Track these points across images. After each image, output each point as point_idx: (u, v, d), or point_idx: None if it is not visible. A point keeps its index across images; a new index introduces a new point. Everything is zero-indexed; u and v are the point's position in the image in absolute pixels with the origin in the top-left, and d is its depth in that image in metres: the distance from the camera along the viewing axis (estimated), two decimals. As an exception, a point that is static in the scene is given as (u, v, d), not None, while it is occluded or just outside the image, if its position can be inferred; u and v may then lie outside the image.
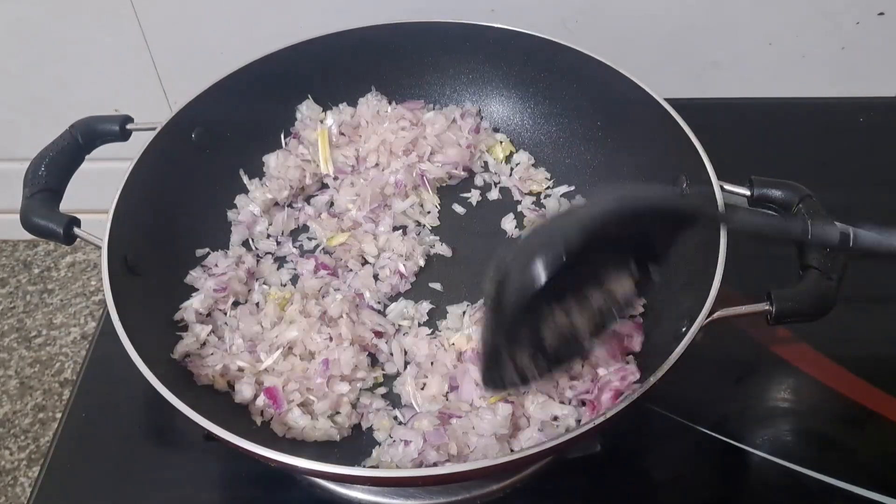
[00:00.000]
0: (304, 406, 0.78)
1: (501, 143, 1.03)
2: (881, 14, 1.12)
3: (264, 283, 0.90)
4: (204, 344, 0.81)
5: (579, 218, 0.54)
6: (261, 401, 0.77)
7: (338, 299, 0.84)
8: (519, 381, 0.62)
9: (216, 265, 0.88)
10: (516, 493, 0.79)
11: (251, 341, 0.82)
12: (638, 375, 0.75)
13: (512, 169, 1.02)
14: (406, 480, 0.67)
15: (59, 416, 1.29)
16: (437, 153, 1.00)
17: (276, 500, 0.81)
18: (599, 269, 0.58)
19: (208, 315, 0.85)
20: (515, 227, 0.96)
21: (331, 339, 0.81)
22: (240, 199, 0.96)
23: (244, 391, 0.77)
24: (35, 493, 0.81)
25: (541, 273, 0.53)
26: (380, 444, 0.76)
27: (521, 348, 0.60)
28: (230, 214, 0.95)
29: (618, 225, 0.55)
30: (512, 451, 0.73)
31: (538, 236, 0.55)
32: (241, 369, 0.79)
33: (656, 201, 0.58)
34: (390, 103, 1.03)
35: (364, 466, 0.73)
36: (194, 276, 0.87)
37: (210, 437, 0.64)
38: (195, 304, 0.83)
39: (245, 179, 0.97)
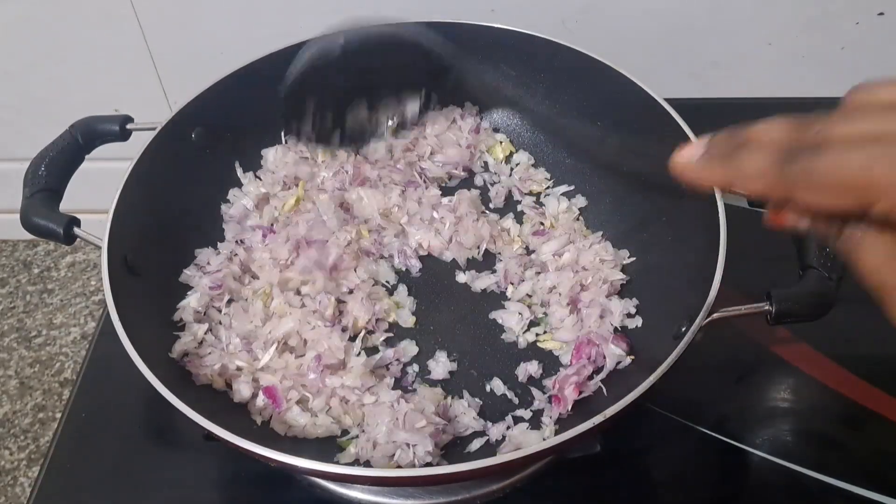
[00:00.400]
0: (302, 403, 0.78)
1: (501, 143, 1.03)
2: (881, 14, 1.12)
3: (254, 278, 0.89)
4: (202, 343, 0.81)
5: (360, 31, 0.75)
6: (260, 400, 0.77)
7: (318, 282, 0.85)
8: (314, 138, 0.77)
9: (208, 263, 0.88)
10: (516, 493, 0.79)
11: (246, 340, 0.82)
12: (591, 370, 0.78)
13: (512, 169, 1.02)
14: (406, 480, 0.67)
15: (58, 416, 1.29)
16: (436, 153, 1.00)
17: (275, 500, 0.81)
18: (389, 79, 0.76)
19: (205, 313, 0.85)
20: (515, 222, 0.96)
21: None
22: (233, 193, 0.96)
23: (242, 391, 0.77)
24: (35, 493, 0.81)
25: (326, 50, 0.73)
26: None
27: (322, 111, 0.75)
28: (223, 208, 0.95)
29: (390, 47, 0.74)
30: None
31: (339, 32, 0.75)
32: (239, 368, 0.79)
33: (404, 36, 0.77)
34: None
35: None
36: (188, 274, 0.87)
37: (210, 436, 0.64)
38: (192, 302, 0.83)
39: (239, 172, 0.97)
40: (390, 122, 0.77)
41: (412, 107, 0.77)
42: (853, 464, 0.81)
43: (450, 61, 0.74)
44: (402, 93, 0.77)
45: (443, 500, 0.78)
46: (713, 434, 0.83)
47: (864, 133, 0.37)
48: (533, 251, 0.93)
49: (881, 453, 0.83)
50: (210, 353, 0.79)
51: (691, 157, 0.45)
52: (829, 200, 0.38)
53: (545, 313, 0.87)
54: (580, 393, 0.76)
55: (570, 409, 0.76)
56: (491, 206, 0.98)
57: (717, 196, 0.77)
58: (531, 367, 0.81)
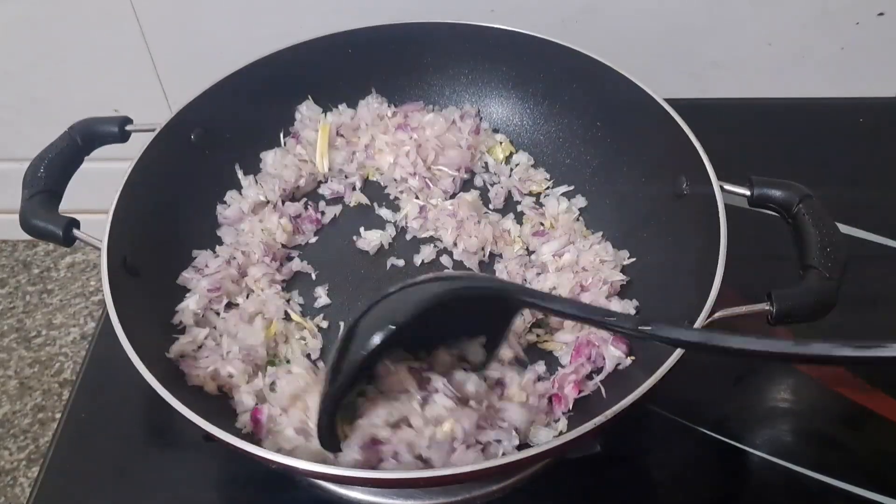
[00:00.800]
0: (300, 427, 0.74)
1: (501, 143, 1.03)
2: (881, 14, 1.12)
3: (256, 285, 0.88)
4: (201, 346, 0.80)
5: (407, 301, 0.61)
6: (245, 418, 0.74)
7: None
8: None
9: (206, 266, 0.87)
10: (516, 493, 0.79)
11: (247, 352, 0.80)
12: (589, 369, 0.78)
13: (511, 169, 1.01)
14: (406, 482, 0.67)
15: (58, 416, 1.30)
16: (438, 155, 0.99)
17: (275, 501, 0.81)
18: (440, 341, 0.66)
19: (203, 315, 0.84)
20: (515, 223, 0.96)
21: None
22: (230, 195, 0.95)
23: (245, 401, 0.75)
24: (35, 493, 0.81)
25: (372, 343, 0.59)
26: None
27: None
28: (218, 208, 0.94)
29: (444, 305, 0.61)
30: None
31: (373, 314, 0.61)
32: (231, 375, 0.77)
33: (468, 289, 0.64)
34: (391, 106, 1.03)
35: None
36: (186, 276, 0.86)
37: (210, 437, 0.64)
38: (191, 305, 0.83)
39: (240, 174, 0.97)
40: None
41: (475, 354, 0.69)
42: (853, 464, 0.81)
43: (514, 298, 0.64)
44: (460, 347, 0.68)
45: (443, 500, 0.78)
46: (713, 434, 0.83)
47: None
48: (533, 251, 0.93)
49: (881, 453, 0.83)
50: (207, 357, 0.78)
51: None
52: None
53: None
54: (580, 392, 0.76)
55: (570, 407, 0.76)
56: (491, 206, 0.98)
57: (717, 196, 0.77)
58: (539, 369, 0.81)
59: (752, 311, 0.70)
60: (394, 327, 0.58)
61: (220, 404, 0.77)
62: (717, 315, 0.69)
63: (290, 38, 0.96)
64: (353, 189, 1.00)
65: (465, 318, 0.65)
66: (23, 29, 1.19)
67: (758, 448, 0.82)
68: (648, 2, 1.11)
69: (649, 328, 0.58)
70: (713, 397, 0.87)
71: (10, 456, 1.28)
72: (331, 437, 0.65)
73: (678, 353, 0.66)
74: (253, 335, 0.81)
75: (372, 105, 1.02)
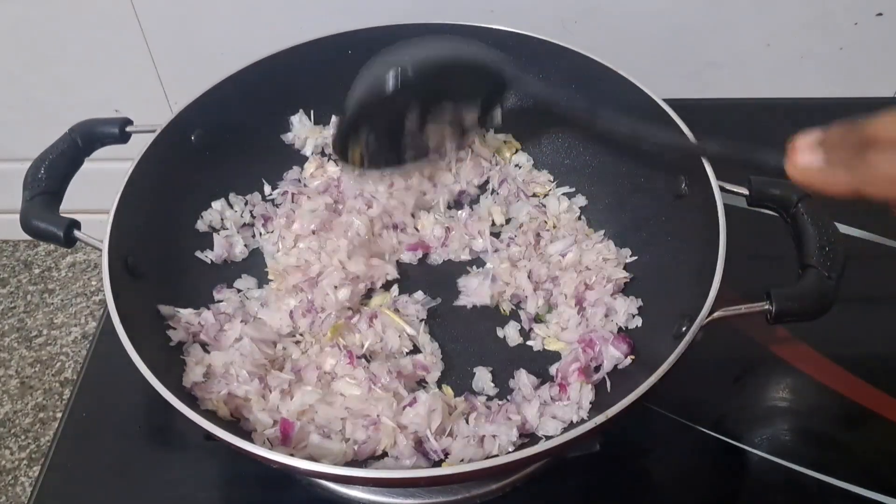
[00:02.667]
0: (324, 431, 0.75)
1: (506, 142, 1.03)
2: (879, 14, 1.12)
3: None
4: (207, 372, 0.78)
5: (419, 53, 0.73)
6: (270, 432, 0.73)
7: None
8: (366, 160, 0.77)
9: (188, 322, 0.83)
10: (516, 493, 0.79)
11: (258, 372, 0.78)
12: (591, 355, 0.79)
13: (517, 167, 1.02)
14: (406, 481, 0.67)
15: (59, 415, 1.30)
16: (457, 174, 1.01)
17: (275, 500, 0.81)
18: (444, 98, 0.75)
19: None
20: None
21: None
22: (209, 214, 0.94)
23: (262, 419, 0.74)
24: (35, 492, 0.81)
25: (386, 84, 0.71)
26: None
27: (373, 134, 0.76)
28: (198, 224, 0.94)
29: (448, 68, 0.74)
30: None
31: (389, 60, 0.74)
32: (247, 399, 0.76)
33: (471, 58, 0.76)
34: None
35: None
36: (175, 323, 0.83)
37: (210, 436, 0.64)
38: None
39: (218, 205, 0.95)
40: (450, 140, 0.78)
41: (471, 117, 0.77)
42: (852, 463, 0.81)
43: (511, 74, 0.74)
44: (461, 109, 0.76)
45: (442, 499, 0.78)
46: (713, 434, 0.83)
47: None
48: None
49: (880, 453, 0.83)
50: (217, 381, 0.77)
51: (810, 161, 0.41)
52: None
53: (549, 308, 0.87)
54: (588, 380, 0.77)
55: (579, 393, 0.76)
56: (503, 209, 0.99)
57: (717, 195, 0.77)
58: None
59: (751, 310, 0.70)
60: (406, 76, 0.70)
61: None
62: (716, 314, 0.69)
63: (290, 40, 0.96)
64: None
65: (465, 84, 0.75)
66: (23, 29, 1.19)
67: (757, 447, 0.83)
68: (648, 2, 1.11)
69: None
70: (713, 397, 0.87)
71: (11, 455, 1.28)
72: (344, 154, 0.77)
73: (678, 352, 0.66)
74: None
75: None
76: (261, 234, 0.95)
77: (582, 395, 0.76)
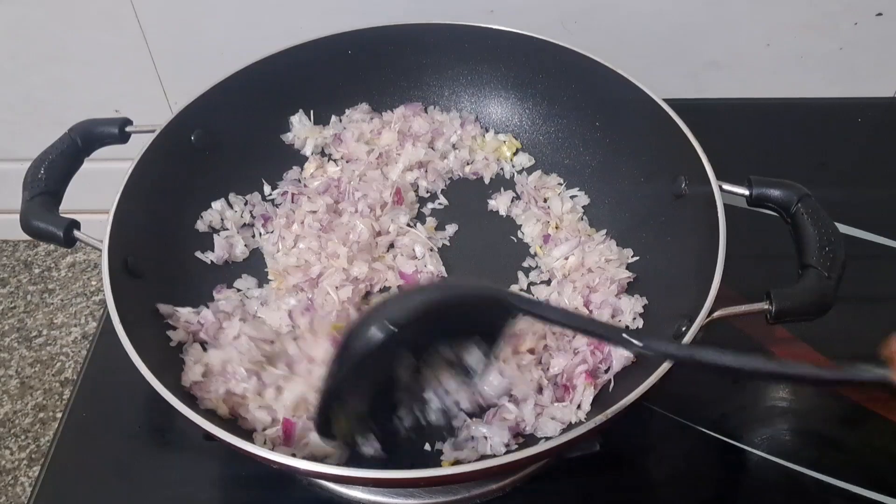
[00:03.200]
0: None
1: (505, 142, 1.03)
2: (879, 14, 1.12)
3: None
4: (205, 372, 0.77)
5: (407, 304, 0.62)
6: (272, 431, 0.73)
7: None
8: (349, 439, 0.66)
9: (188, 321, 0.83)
10: (516, 493, 0.79)
11: (255, 369, 0.78)
12: (600, 357, 0.78)
13: (522, 169, 1.02)
14: (406, 481, 0.67)
15: (59, 415, 1.30)
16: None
17: (275, 500, 0.81)
18: (438, 345, 0.66)
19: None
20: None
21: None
22: (208, 215, 0.94)
23: (260, 417, 0.74)
24: (35, 492, 0.81)
25: (371, 340, 0.60)
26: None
27: (358, 409, 0.65)
28: (198, 224, 0.93)
29: (442, 309, 0.62)
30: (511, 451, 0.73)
31: (373, 315, 0.62)
32: (244, 397, 0.76)
33: (465, 295, 0.65)
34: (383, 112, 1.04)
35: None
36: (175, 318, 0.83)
37: (210, 436, 0.64)
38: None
39: (218, 206, 0.95)
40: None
41: (474, 357, 0.67)
42: (852, 463, 0.81)
43: (507, 304, 0.64)
44: (459, 350, 0.67)
45: (442, 499, 0.78)
46: (712, 433, 0.83)
47: None
48: (535, 255, 0.93)
49: (880, 453, 0.83)
50: (215, 380, 0.76)
51: None
52: None
53: None
54: (594, 383, 0.76)
55: (582, 398, 0.75)
56: (500, 211, 0.99)
57: (716, 195, 0.77)
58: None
59: (751, 309, 0.70)
60: (392, 328, 0.59)
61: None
62: (716, 314, 0.69)
63: (289, 40, 0.96)
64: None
65: (463, 324, 0.66)
66: (23, 29, 1.19)
67: (757, 447, 0.83)
68: (647, 2, 1.11)
69: (639, 344, 0.58)
70: (712, 396, 0.87)
71: (10, 455, 1.28)
72: (326, 429, 0.66)
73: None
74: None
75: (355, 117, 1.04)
76: (260, 234, 0.95)
77: (584, 396, 0.76)
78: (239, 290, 0.90)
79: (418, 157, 0.99)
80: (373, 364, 0.62)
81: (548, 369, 0.79)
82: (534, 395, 0.76)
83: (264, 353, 0.80)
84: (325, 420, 0.65)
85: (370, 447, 0.66)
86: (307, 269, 0.88)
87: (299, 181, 1.00)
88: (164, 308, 0.81)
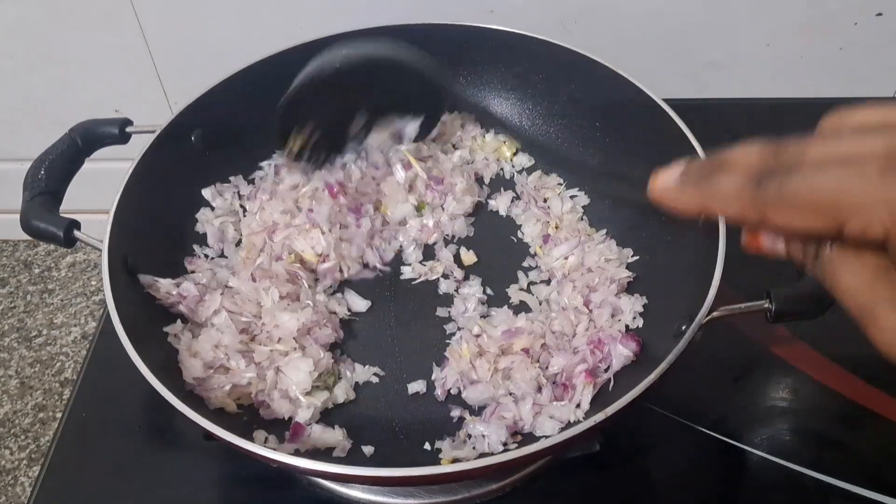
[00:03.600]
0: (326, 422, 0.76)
1: (505, 142, 1.03)
2: (879, 15, 1.12)
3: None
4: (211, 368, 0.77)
5: (359, 48, 0.82)
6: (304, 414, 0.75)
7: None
8: (308, 156, 0.85)
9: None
10: (515, 492, 0.79)
11: (243, 349, 0.79)
12: (599, 357, 0.78)
13: (522, 170, 1.02)
14: (406, 480, 0.67)
15: (59, 415, 1.30)
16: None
17: (275, 499, 0.81)
18: (390, 110, 0.84)
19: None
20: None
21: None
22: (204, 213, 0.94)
23: (281, 408, 0.75)
24: (35, 492, 0.81)
25: (324, 67, 0.79)
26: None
27: (317, 129, 0.82)
28: (201, 213, 0.93)
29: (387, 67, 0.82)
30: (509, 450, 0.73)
31: (328, 53, 0.81)
32: (249, 382, 0.76)
33: (407, 60, 0.84)
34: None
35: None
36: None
37: (210, 436, 0.64)
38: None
39: (208, 194, 0.94)
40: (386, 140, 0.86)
41: (411, 126, 0.85)
42: (852, 464, 0.81)
43: (446, 86, 0.81)
44: (400, 113, 0.82)
45: (442, 499, 0.78)
46: (712, 433, 0.83)
47: (836, 155, 0.38)
48: (535, 255, 0.93)
49: (880, 453, 0.83)
50: (216, 376, 0.76)
51: (667, 182, 0.46)
52: (802, 222, 0.38)
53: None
54: (594, 383, 0.76)
55: (581, 397, 0.75)
56: (500, 211, 0.99)
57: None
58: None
59: (751, 308, 0.70)
60: (337, 64, 0.78)
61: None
62: (716, 313, 0.69)
63: (290, 40, 0.96)
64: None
65: (406, 95, 0.83)
66: (23, 29, 1.19)
67: (757, 447, 0.83)
68: (647, 2, 1.11)
69: None
70: (712, 396, 0.87)
71: (10, 455, 1.28)
72: (282, 142, 0.84)
73: (677, 351, 0.66)
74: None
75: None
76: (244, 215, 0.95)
77: (583, 395, 0.76)
78: (210, 258, 0.89)
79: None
80: (328, 91, 0.79)
81: (546, 368, 0.79)
82: (532, 393, 0.76)
83: (243, 328, 0.80)
84: (284, 132, 0.82)
85: (312, 165, 0.87)
86: (272, 230, 0.89)
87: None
88: (144, 279, 0.80)
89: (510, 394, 0.77)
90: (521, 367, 0.78)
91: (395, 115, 0.84)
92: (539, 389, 0.77)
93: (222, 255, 0.92)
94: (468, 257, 0.93)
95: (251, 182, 0.98)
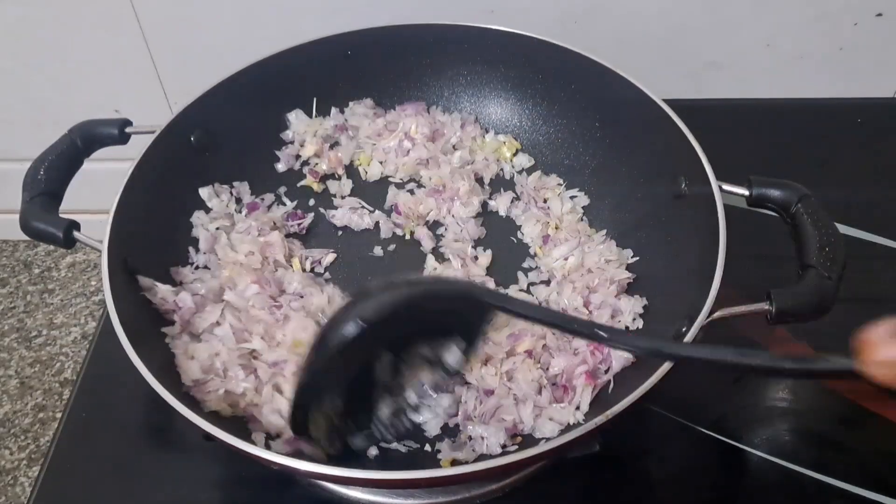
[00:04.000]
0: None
1: (505, 143, 1.03)
2: (879, 15, 1.12)
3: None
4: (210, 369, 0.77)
5: (380, 300, 0.62)
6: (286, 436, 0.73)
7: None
8: (325, 439, 0.67)
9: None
10: (515, 493, 0.79)
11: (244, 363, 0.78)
12: (600, 358, 0.78)
13: (522, 170, 1.02)
14: (406, 482, 0.67)
15: (59, 415, 1.29)
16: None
17: (275, 500, 0.81)
18: (417, 344, 0.67)
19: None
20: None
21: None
22: (197, 216, 0.93)
23: (275, 421, 0.73)
24: (35, 492, 0.81)
25: (343, 336, 0.60)
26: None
27: (334, 406, 0.66)
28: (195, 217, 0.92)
29: (416, 305, 0.63)
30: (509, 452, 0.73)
31: (347, 312, 0.62)
32: (244, 392, 0.76)
33: (438, 291, 0.66)
34: (387, 111, 1.04)
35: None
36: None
37: (210, 437, 0.64)
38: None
39: (205, 194, 0.93)
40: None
41: (452, 352, 0.68)
42: (852, 464, 0.81)
43: (481, 301, 0.64)
44: (431, 342, 0.67)
45: (442, 499, 0.78)
46: (712, 434, 0.83)
47: None
48: (535, 255, 0.93)
49: (880, 453, 0.83)
50: (211, 379, 0.75)
51: (893, 356, 0.41)
52: None
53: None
54: (594, 384, 0.76)
55: (580, 399, 0.75)
56: (500, 211, 0.99)
57: (716, 195, 0.77)
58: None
59: (751, 310, 0.70)
60: (364, 323, 0.60)
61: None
62: (716, 315, 0.69)
63: (289, 40, 0.96)
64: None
65: (440, 321, 0.66)
66: (23, 29, 1.19)
67: (757, 447, 0.83)
68: (647, 2, 1.11)
69: (606, 336, 0.60)
70: (712, 397, 0.87)
71: (10, 455, 1.28)
72: (302, 427, 0.66)
73: (678, 352, 0.66)
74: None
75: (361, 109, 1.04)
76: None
77: (582, 397, 0.76)
78: (196, 268, 0.88)
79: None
80: (347, 359, 0.63)
81: (547, 369, 0.79)
82: (533, 395, 0.76)
83: (243, 341, 0.79)
84: (300, 417, 0.65)
85: (348, 445, 0.68)
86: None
87: (298, 157, 1.01)
88: (143, 281, 0.80)
89: (513, 395, 0.77)
90: (524, 369, 0.78)
91: (424, 347, 0.68)
92: (539, 391, 0.77)
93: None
94: (484, 258, 0.93)
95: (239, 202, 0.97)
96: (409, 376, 0.68)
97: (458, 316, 0.66)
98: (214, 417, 0.73)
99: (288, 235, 0.94)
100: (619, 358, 0.77)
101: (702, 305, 0.69)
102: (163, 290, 0.80)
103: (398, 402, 0.69)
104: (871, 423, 0.84)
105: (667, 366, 0.65)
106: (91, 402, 0.88)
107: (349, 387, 0.65)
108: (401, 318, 0.61)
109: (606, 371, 0.78)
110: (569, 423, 0.74)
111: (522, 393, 0.76)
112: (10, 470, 1.26)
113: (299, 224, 0.95)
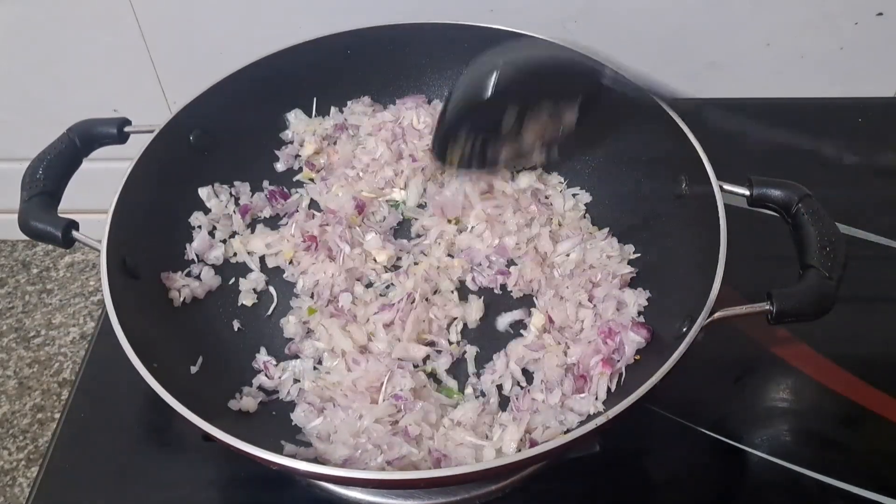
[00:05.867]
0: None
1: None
2: (880, 14, 1.12)
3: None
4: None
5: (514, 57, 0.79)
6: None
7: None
8: (464, 161, 0.82)
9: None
10: (515, 493, 0.79)
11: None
12: (613, 347, 0.78)
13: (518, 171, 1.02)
14: (407, 482, 0.67)
15: (57, 416, 1.29)
16: None
17: (274, 500, 0.81)
18: (542, 98, 0.80)
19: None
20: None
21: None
22: (196, 216, 0.94)
23: (304, 416, 0.77)
24: (34, 493, 0.81)
25: (487, 85, 0.76)
26: None
27: (473, 136, 0.80)
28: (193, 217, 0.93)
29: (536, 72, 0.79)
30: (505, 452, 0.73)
31: (481, 65, 0.78)
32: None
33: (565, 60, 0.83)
34: (385, 107, 1.04)
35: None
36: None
37: (209, 437, 0.64)
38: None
39: (204, 194, 0.94)
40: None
41: (569, 112, 0.81)
42: (852, 464, 0.81)
43: (602, 76, 0.79)
44: (554, 100, 0.80)
45: (442, 499, 0.78)
46: (712, 434, 0.83)
47: None
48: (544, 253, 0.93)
49: (880, 453, 0.83)
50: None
51: None
52: None
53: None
54: (611, 371, 0.77)
55: (597, 389, 0.76)
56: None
57: (717, 195, 0.77)
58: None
59: (752, 310, 0.70)
60: (490, 84, 0.74)
61: (218, 405, 0.77)
62: (717, 315, 0.69)
63: (288, 40, 0.96)
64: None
65: (560, 86, 0.81)
66: (23, 29, 1.18)
67: (757, 448, 0.82)
68: (647, 2, 1.11)
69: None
70: (713, 397, 0.87)
71: (9, 456, 1.28)
72: (442, 156, 0.82)
73: (679, 353, 0.66)
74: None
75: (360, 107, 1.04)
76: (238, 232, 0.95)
77: (599, 386, 0.76)
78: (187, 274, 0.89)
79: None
80: (486, 107, 0.77)
81: (565, 353, 0.80)
82: (559, 384, 0.77)
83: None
84: (442, 148, 0.81)
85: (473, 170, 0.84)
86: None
87: (298, 156, 1.01)
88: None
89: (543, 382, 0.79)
90: (550, 355, 0.79)
91: (548, 104, 0.80)
92: (561, 381, 0.78)
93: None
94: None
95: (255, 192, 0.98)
96: (528, 127, 0.80)
97: (573, 83, 0.81)
98: (214, 417, 0.73)
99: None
100: (632, 343, 0.78)
101: (703, 305, 0.69)
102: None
103: (514, 149, 0.83)
104: (871, 423, 0.84)
105: (667, 366, 0.65)
106: (90, 402, 0.88)
107: (483, 129, 0.79)
108: (528, 76, 0.77)
109: (619, 360, 0.78)
110: (589, 414, 0.75)
111: (551, 381, 0.78)
112: (9, 470, 1.26)
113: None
